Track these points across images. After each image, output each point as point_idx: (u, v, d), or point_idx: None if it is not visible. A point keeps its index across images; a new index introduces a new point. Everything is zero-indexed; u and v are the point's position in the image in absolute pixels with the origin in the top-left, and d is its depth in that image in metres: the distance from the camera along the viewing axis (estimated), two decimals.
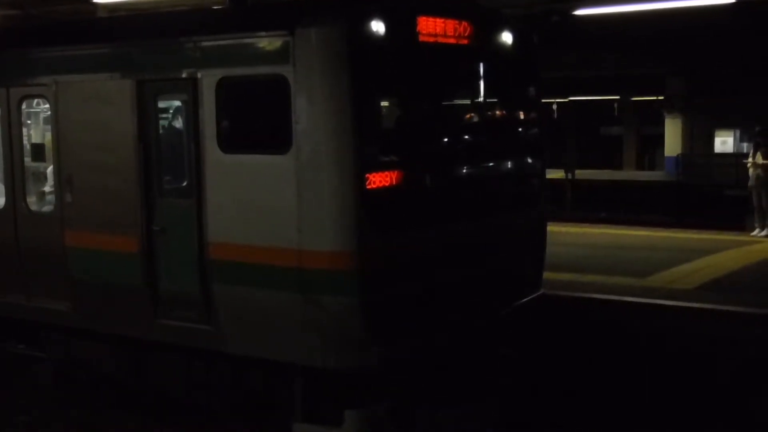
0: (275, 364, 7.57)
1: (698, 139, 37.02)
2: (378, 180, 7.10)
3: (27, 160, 9.39)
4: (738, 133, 36.68)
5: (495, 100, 8.85)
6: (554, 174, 28.15)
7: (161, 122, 8.33)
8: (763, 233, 14.95)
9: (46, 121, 9.56)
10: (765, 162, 15.05)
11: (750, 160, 15.59)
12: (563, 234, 14.36)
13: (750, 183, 15.37)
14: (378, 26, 7.06)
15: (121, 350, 8.75)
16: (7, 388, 10.46)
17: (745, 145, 34.80)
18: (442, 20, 7.72)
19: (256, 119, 7.52)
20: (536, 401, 8.93)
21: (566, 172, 30.46)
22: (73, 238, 8.65)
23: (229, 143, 7.49)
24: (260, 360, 7.63)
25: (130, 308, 8.30)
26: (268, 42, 7.30)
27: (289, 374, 7.58)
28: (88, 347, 9.08)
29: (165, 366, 8.51)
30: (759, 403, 8.98)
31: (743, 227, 16.24)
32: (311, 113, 6.99)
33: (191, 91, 7.65)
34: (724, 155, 35.28)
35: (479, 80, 8.53)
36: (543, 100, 10.22)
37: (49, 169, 9.41)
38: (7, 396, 10.20)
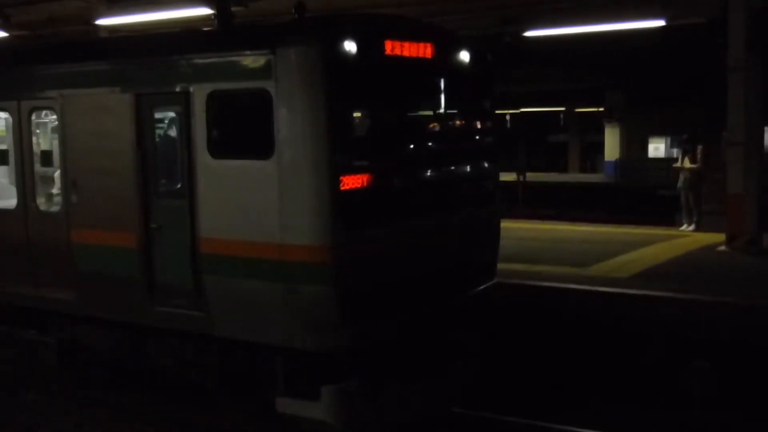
0: (259, 346, 7.58)
1: (634, 145, 37.47)
2: (350, 182, 7.13)
3: (36, 165, 9.31)
4: (669, 140, 37.18)
5: (454, 111, 8.89)
6: (507, 177, 28.32)
7: (157, 131, 8.29)
8: (690, 228, 15.19)
9: (53, 130, 9.50)
10: (692, 166, 15.30)
11: (678, 164, 15.83)
12: (516, 229, 14.48)
13: (679, 184, 15.58)
14: (350, 46, 7.10)
15: (120, 334, 8.71)
16: (17, 368, 10.39)
17: (675, 150, 35.28)
18: (407, 41, 7.76)
19: (243, 128, 7.53)
20: (491, 378, 9.04)
21: (518, 175, 30.68)
22: (78, 235, 8.61)
23: (218, 150, 7.50)
24: (246, 342, 7.64)
25: (130, 297, 8.28)
26: (252, 60, 7.31)
27: (271, 354, 7.59)
28: (90, 332, 9.03)
29: (160, 348, 8.48)
30: (682, 374, 9.18)
31: (673, 223, 16.48)
32: (291, 123, 7.02)
33: (184, 103, 7.65)
34: (656, 160, 35.77)
35: (440, 94, 8.59)
36: (497, 112, 10.30)
37: (56, 173, 9.36)
38: (18, 376, 10.14)
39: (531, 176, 32.20)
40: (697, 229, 14.99)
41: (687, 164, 15.37)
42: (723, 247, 12.78)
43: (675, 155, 29.80)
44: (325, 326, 7.14)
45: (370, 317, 7.36)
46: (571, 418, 8.55)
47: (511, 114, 43.28)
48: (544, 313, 10.13)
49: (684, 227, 15.32)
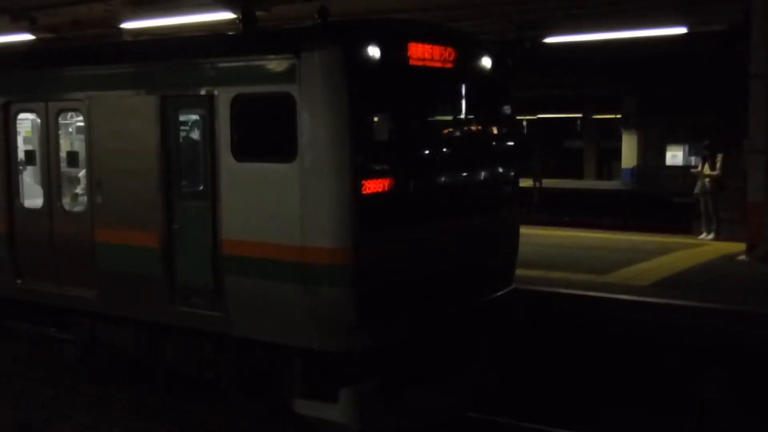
0: (278, 347, 7.59)
1: (651, 152, 37.23)
2: (371, 186, 7.13)
3: (62, 165, 9.38)
4: (687, 147, 36.93)
5: (474, 115, 8.87)
6: (523, 183, 28.12)
7: (181, 133, 8.34)
8: (710, 236, 14.99)
9: (79, 131, 9.58)
10: (711, 173, 15.10)
11: (698, 170, 15.63)
12: (532, 235, 14.33)
13: (697, 191, 15.39)
14: (374, 51, 7.11)
15: (139, 333, 8.77)
16: (38, 365, 10.47)
17: (693, 158, 35.01)
18: (430, 46, 7.77)
19: (266, 131, 7.55)
20: (506, 383, 8.99)
21: (534, 181, 30.55)
22: (102, 235, 8.68)
23: (241, 152, 7.52)
24: (264, 342, 7.65)
25: (150, 296, 8.33)
26: (277, 64, 7.34)
27: (289, 355, 7.60)
28: (110, 330, 9.09)
29: (178, 347, 8.52)
30: (700, 383, 9.09)
31: (690, 231, 16.31)
32: (314, 126, 7.04)
33: (208, 106, 7.70)
34: (674, 167, 35.54)
35: (461, 98, 8.59)
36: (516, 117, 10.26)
37: (82, 174, 9.44)
38: (38, 372, 10.22)
39: (547, 182, 32.05)
40: (716, 238, 14.81)
41: (706, 171, 15.16)
42: (743, 256, 12.63)
43: (693, 163, 29.60)
44: (343, 328, 7.14)
45: (389, 320, 7.35)
46: (585, 424, 8.49)
47: (527, 120, 43.14)
48: (562, 320, 10.05)
49: (703, 235, 15.13)
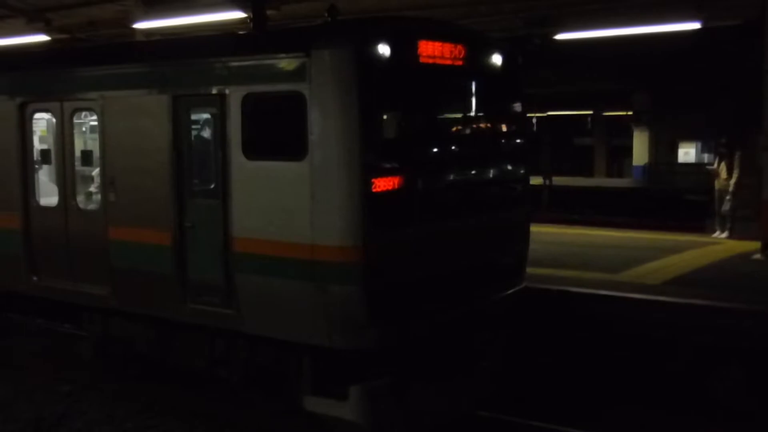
0: (288, 344, 7.60)
1: (663, 149, 36.98)
2: (382, 184, 7.12)
3: (77, 164, 9.43)
4: (699, 144, 36.65)
5: (485, 113, 8.83)
6: (533, 180, 27.89)
7: (193, 132, 8.36)
8: (724, 235, 14.84)
9: (93, 130, 9.63)
10: (730, 179, 14.83)
11: (714, 167, 15.45)
12: (542, 233, 14.23)
13: (717, 186, 15.17)
14: (384, 49, 7.09)
15: (152, 330, 8.81)
16: (53, 361, 10.55)
17: (705, 155, 34.75)
18: (440, 44, 7.74)
19: (276, 130, 7.54)
20: (516, 382, 8.96)
21: (544, 179, 30.40)
22: (115, 232, 8.71)
23: (252, 151, 7.53)
24: (275, 339, 7.66)
25: (163, 293, 8.36)
26: (287, 63, 7.34)
27: (300, 353, 7.61)
28: (123, 326, 9.14)
29: (190, 344, 8.56)
30: (714, 384, 9.02)
31: (703, 229, 16.16)
32: (324, 125, 7.03)
33: (220, 105, 7.70)
34: (686, 164, 35.29)
35: (471, 96, 8.55)
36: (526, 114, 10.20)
37: (95, 172, 9.50)
38: (53, 368, 10.30)
39: (557, 180, 31.88)
40: (730, 236, 14.64)
41: (723, 172, 14.96)
42: (757, 255, 12.48)
43: (706, 160, 29.31)
44: (352, 325, 7.14)
45: (399, 318, 7.34)
46: (595, 423, 8.45)
47: (537, 117, 42.96)
48: (574, 319, 10.00)
49: (716, 234, 14.98)
